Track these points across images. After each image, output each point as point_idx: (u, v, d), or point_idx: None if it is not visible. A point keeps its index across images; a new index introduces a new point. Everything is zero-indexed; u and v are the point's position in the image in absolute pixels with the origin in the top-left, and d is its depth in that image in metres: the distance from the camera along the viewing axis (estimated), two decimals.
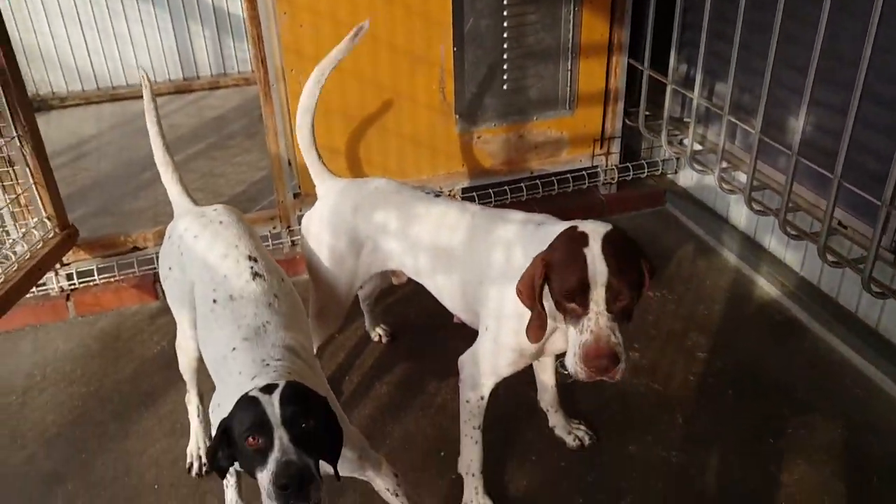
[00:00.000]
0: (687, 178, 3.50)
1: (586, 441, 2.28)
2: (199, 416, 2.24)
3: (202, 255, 1.91)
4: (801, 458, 2.21)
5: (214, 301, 1.81)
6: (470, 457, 2.04)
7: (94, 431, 2.40)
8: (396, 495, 1.85)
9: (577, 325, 1.57)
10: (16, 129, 2.50)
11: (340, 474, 1.57)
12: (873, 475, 2.15)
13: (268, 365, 1.62)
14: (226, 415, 1.45)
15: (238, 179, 3.79)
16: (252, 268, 1.86)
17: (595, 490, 2.15)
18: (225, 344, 1.70)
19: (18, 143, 2.52)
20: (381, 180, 2.18)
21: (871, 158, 2.32)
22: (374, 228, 2.09)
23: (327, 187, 2.22)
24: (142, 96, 2.14)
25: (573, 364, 1.59)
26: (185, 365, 2.14)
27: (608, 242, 1.56)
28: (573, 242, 1.58)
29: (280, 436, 1.37)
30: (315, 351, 2.18)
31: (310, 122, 2.23)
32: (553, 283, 1.59)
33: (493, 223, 1.91)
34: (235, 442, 1.41)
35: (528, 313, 1.68)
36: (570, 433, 2.29)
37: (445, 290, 2.02)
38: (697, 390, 2.48)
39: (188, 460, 2.26)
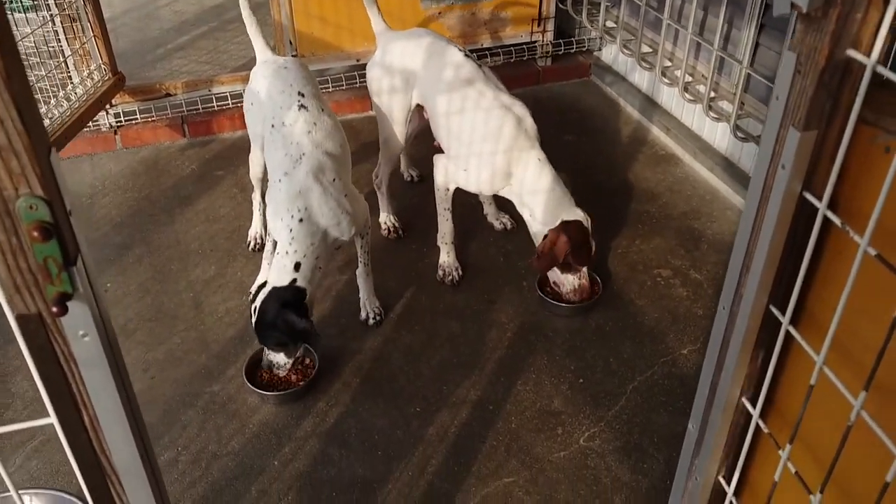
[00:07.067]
0: (608, 54, 4.32)
1: (508, 226, 3.19)
2: (259, 209, 3.00)
3: (268, 90, 2.57)
4: (658, 236, 3.15)
5: (273, 126, 2.46)
6: (444, 230, 2.91)
7: (149, 219, 3.26)
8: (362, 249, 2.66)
9: (574, 275, 2.70)
10: None
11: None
12: (704, 244, 3.09)
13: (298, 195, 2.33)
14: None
15: (240, 55, 4.51)
16: (299, 101, 2.49)
17: (511, 252, 3.07)
18: (276, 168, 2.39)
19: (82, 3, 3.28)
20: (421, 30, 2.94)
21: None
22: (418, 66, 2.80)
23: (386, 38, 2.94)
24: None
25: (572, 290, 2.74)
26: (253, 174, 2.87)
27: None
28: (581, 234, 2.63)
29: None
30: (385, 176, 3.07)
31: None
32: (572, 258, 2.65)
33: (486, 84, 2.69)
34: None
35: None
36: (497, 220, 3.20)
37: (436, 117, 2.78)
38: (594, 198, 3.36)
39: (248, 239, 3.05)
